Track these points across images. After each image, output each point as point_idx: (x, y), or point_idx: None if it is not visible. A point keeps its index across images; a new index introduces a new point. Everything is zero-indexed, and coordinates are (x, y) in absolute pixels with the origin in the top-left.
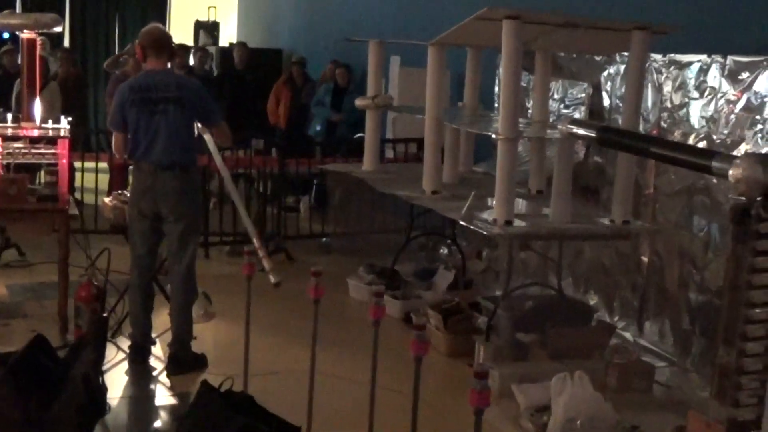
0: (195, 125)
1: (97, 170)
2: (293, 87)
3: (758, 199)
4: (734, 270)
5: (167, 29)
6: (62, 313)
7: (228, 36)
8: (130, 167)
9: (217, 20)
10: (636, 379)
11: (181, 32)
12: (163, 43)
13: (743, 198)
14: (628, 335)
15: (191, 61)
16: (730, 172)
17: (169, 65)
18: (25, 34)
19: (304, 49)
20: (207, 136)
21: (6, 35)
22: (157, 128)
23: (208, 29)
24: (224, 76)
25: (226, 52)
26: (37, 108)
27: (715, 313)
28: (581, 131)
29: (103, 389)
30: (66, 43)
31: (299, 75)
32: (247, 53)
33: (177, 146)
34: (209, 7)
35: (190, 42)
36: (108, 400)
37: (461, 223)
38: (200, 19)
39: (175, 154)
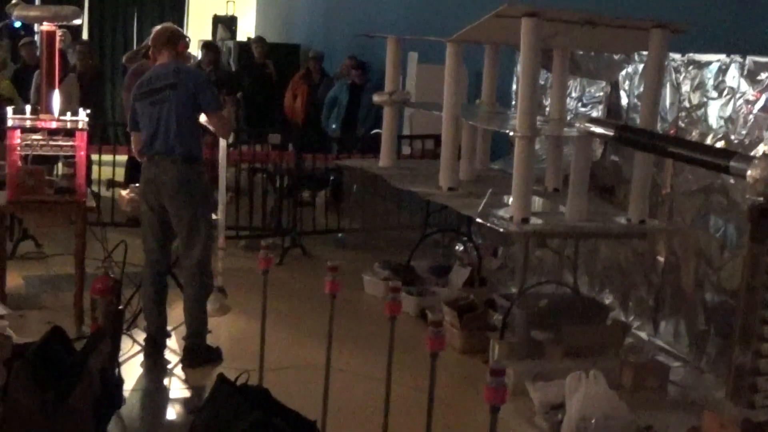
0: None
1: (114, 163)
2: (310, 82)
3: None
4: (751, 270)
5: (185, 24)
6: (78, 305)
7: (246, 31)
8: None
9: (236, 15)
10: (650, 379)
11: (199, 27)
12: (164, 40)
13: (761, 198)
14: (643, 335)
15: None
16: (749, 172)
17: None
18: (45, 27)
19: (321, 44)
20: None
21: (18, 24)
22: (158, 117)
23: (226, 24)
24: (243, 69)
25: (244, 47)
26: (56, 100)
27: (731, 313)
28: (599, 129)
29: (119, 382)
30: (84, 36)
31: (316, 70)
32: (265, 47)
33: (177, 134)
34: (227, 2)
35: (208, 36)
36: (123, 393)
37: (477, 220)
38: (218, 13)
39: (175, 142)
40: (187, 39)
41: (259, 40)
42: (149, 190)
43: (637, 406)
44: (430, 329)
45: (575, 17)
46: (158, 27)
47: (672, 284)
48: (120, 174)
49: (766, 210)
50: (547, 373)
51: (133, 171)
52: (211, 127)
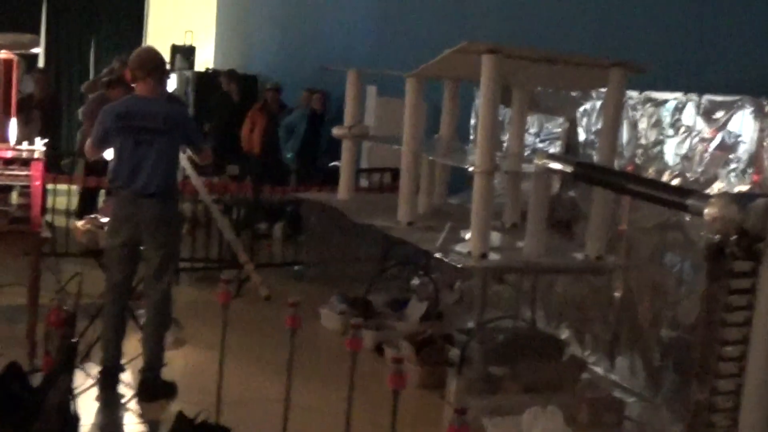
0: (179, 151)
1: (69, 193)
2: (268, 113)
3: (733, 237)
4: (708, 308)
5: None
6: (31, 337)
7: (204, 61)
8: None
9: (194, 45)
10: (607, 415)
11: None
12: (152, 67)
13: (718, 236)
14: (599, 370)
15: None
16: (706, 210)
17: (166, 86)
18: (2, 55)
19: (279, 75)
20: (183, 160)
21: None
22: (142, 157)
23: (184, 54)
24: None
25: (203, 77)
26: (12, 129)
27: (687, 349)
28: (557, 166)
29: (76, 418)
30: (41, 63)
31: (274, 101)
32: (236, 81)
33: (160, 176)
34: (186, 32)
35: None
36: (80, 429)
37: (436, 255)
38: (176, 43)
39: (158, 184)
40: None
41: (230, 73)
42: (126, 226)
43: None
44: (391, 366)
45: (535, 55)
46: (141, 50)
47: (628, 320)
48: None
49: (723, 248)
50: (504, 408)
51: (88, 202)
52: (183, 160)
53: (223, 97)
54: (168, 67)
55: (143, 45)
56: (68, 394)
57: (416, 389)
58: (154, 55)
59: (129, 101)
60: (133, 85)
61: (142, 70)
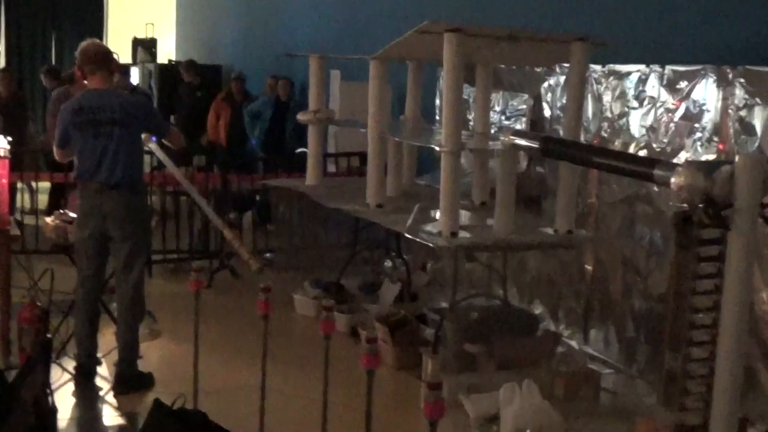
0: (141, 141)
1: (37, 190)
2: (233, 103)
3: (700, 205)
4: (678, 276)
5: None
6: (4, 335)
7: (166, 53)
8: (68, 188)
9: (155, 37)
10: (583, 387)
11: (119, 50)
12: (100, 59)
13: (685, 205)
14: (573, 343)
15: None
16: (672, 179)
17: (116, 77)
18: None
19: (243, 64)
20: (153, 147)
21: None
22: (102, 150)
23: (146, 46)
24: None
25: (165, 69)
26: None
27: (659, 319)
28: (524, 142)
29: (53, 411)
30: (2, 62)
31: (239, 91)
32: (196, 71)
33: (122, 167)
34: (147, 24)
35: (129, 59)
36: (57, 422)
37: (406, 235)
38: (138, 36)
39: (122, 174)
40: (115, 56)
41: (189, 63)
42: (92, 218)
43: (571, 416)
44: (364, 346)
45: (497, 32)
46: (85, 44)
47: (600, 293)
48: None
49: (690, 217)
50: (481, 385)
51: (56, 198)
52: (154, 147)
53: (186, 87)
54: (129, 60)
55: (86, 40)
56: (44, 388)
57: (392, 371)
58: (98, 47)
59: (82, 96)
60: (85, 81)
61: (90, 64)
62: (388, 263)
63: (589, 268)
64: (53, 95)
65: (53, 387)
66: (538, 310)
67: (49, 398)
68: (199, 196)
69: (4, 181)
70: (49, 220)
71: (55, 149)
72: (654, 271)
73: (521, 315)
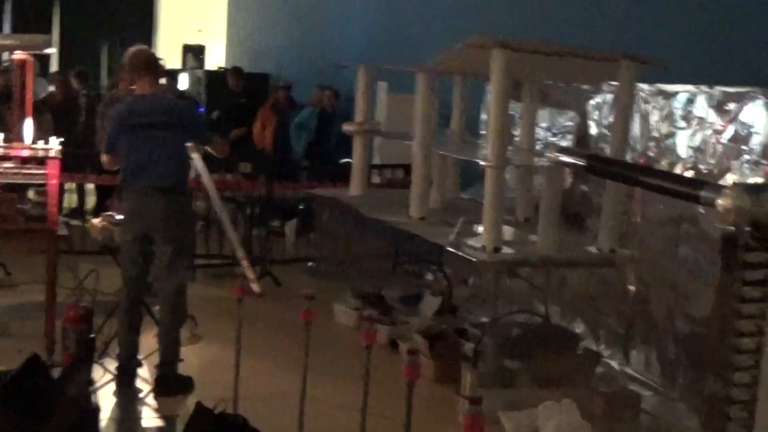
0: (186, 147)
1: (85, 191)
2: (279, 111)
3: (746, 229)
4: (722, 299)
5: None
6: (49, 334)
7: (215, 60)
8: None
9: (205, 44)
10: (622, 408)
11: (169, 56)
12: (147, 65)
13: (731, 228)
14: (614, 364)
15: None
16: (719, 201)
17: (163, 81)
18: (17, 55)
19: (290, 73)
20: (195, 156)
21: None
22: (148, 153)
23: (195, 53)
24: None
25: (213, 76)
26: (28, 128)
27: (701, 342)
28: (570, 159)
29: (95, 409)
30: (54, 67)
31: (285, 100)
32: (242, 78)
33: (167, 169)
34: (197, 31)
35: (178, 66)
36: (99, 421)
37: (449, 249)
38: (188, 42)
39: (166, 177)
40: (162, 61)
41: (236, 70)
42: (136, 220)
43: None
44: (406, 358)
45: (545, 48)
46: (133, 50)
47: (642, 313)
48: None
49: (737, 239)
50: (519, 401)
51: (103, 199)
52: (195, 155)
53: (229, 94)
54: (179, 66)
55: (134, 46)
56: (88, 386)
57: (430, 383)
58: (144, 53)
59: (129, 101)
60: (132, 87)
61: (137, 69)
62: (429, 276)
63: (631, 288)
64: (103, 100)
65: (96, 385)
66: (578, 328)
67: (93, 397)
68: (222, 207)
69: (55, 181)
70: (96, 221)
71: (102, 156)
72: (697, 294)
73: (562, 333)
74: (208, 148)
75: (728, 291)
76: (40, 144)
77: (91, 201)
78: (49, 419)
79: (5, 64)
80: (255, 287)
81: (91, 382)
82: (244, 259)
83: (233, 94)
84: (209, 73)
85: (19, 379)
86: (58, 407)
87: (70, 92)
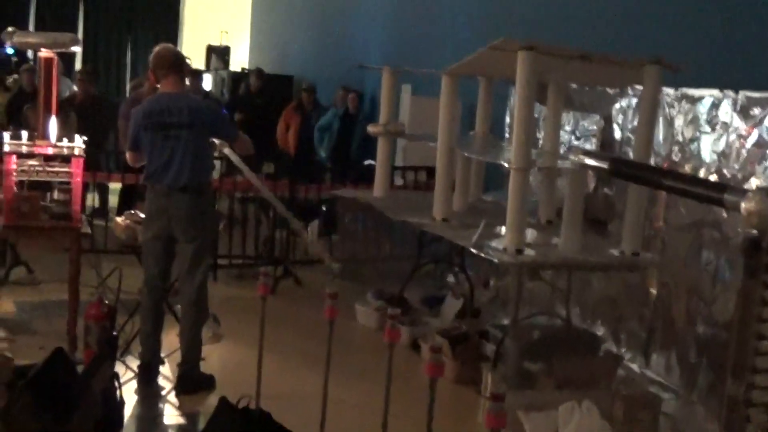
0: (210, 145)
1: (108, 190)
2: (303, 113)
3: None
4: (745, 302)
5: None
6: (71, 331)
7: (239, 61)
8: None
9: (229, 45)
10: (642, 411)
11: (193, 56)
12: (172, 64)
13: (755, 231)
14: (634, 367)
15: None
16: (743, 205)
17: (187, 81)
18: (43, 53)
19: (314, 75)
20: (228, 151)
21: (10, 51)
22: (171, 152)
23: (219, 54)
24: (237, 100)
25: (237, 77)
26: (53, 126)
27: (723, 346)
28: (593, 162)
29: (120, 404)
30: (78, 65)
31: (309, 101)
32: (262, 79)
33: (190, 169)
34: (221, 32)
35: (202, 66)
36: (123, 416)
37: (472, 250)
38: (212, 43)
39: (189, 177)
40: (189, 61)
41: (258, 71)
42: (158, 220)
43: None
44: (429, 355)
45: (571, 52)
46: (159, 48)
47: (664, 317)
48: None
49: (760, 243)
50: (540, 403)
51: (127, 198)
52: (228, 151)
53: (246, 95)
54: (203, 66)
55: (161, 45)
56: (113, 380)
57: (451, 384)
58: (171, 52)
59: (154, 99)
60: (157, 85)
61: (162, 69)
62: (451, 278)
63: (653, 291)
64: (126, 99)
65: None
66: (600, 331)
67: (118, 391)
68: (275, 199)
69: (79, 179)
70: (119, 220)
71: (127, 153)
72: (719, 298)
73: (583, 335)
74: (234, 148)
75: (750, 294)
76: (65, 142)
77: (113, 200)
78: (75, 412)
79: (27, 64)
80: (335, 268)
81: (115, 376)
82: (301, 229)
83: (252, 95)
84: (233, 74)
85: (45, 373)
86: (83, 401)
87: (92, 91)
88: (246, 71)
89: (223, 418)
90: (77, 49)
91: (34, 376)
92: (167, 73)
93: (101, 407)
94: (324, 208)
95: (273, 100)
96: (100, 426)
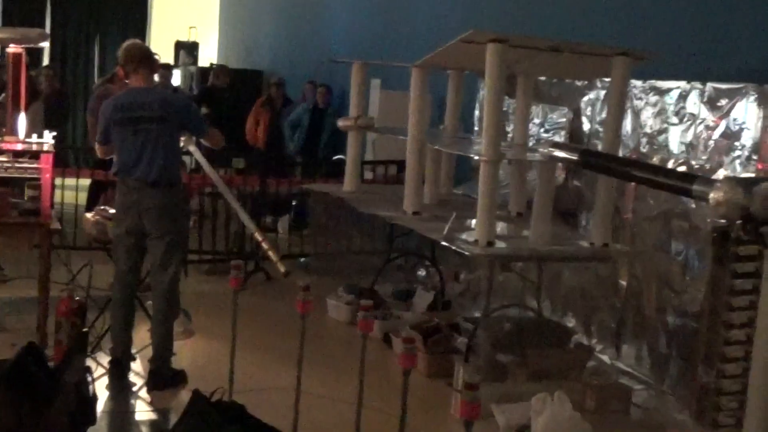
0: (180, 140)
1: (77, 187)
2: (272, 108)
3: (738, 221)
4: (713, 291)
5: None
6: (42, 328)
7: (208, 57)
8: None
9: (197, 41)
10: (614, 401)
11: (161, 52)
12: (141, 59)
13: (723, 221)
14: (605, 358)
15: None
16: (711, 195)
17: (156, 78)
18: (11, 49)
19: (284, 70)
20: (192, 148)
21: None
22: (141, 146)
23: (188, 49)
24: (204, 94)
25: (206, 72)
26: (22, 122)
27: (693, 336)
28: (563, 154)
29: (93, 398)
30: (46, 61)
31: (278, 96)
32: (226, 74)
33: (161, 163)
34: (190, 28)
35: (171, 62)
36: (96, 409)
37: (443, 243)
38: (180, 39)
39: (159, 171)
40: (157, 56)
41: (221, 67)
42: (129, 214)
43: (601, 429)
44: (402, 346)
45: (540, 43)
46: (128, 44)
47: (634, 308)
48: (83, 198)
49: (728, 233)
50: (512, 395)
51: (96, 194)
52: (204, 142)
53: (213, 89)
54: (171, 62)
55: (129, 40)
56: (85, 374)
57: (423, 378)
58: (139, 47)
59: (124, 94)
60: (127, 81)
61: (132, 64)
62: (421, 272)
63: (623, 282)
64: (94, 94)
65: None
66: (571, 323)
67: (91, 386)
68: (233, 198)
69: (48, 175)
70: (89, 215)
71: (96, 146)
72: (689, 288)
73: (554, 327)
74: (204, 141)
75: (719, 283)
76: (34, 138)
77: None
78: (49, 406)
79: None
80: (280, 267)
81: (88, 370)
82: (264, 241)
83: (218, 90)
84: (202, 69)
85: (18, 367)
86: (58, 394)
87: (57, 85)
88: (213, 66)
89: (197, 410)
90: (45, 45)
91: (8, 370)
92: (137, 68)
93: (75, 401)
94: (294, 203)
95: (242, 95)
96: (74, 419)
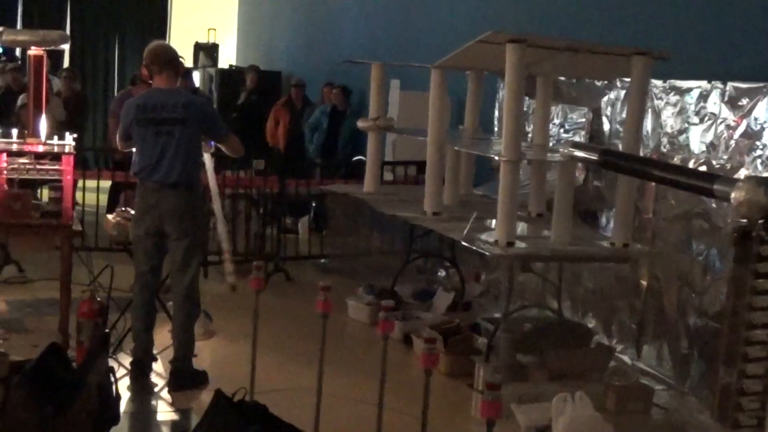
0: (200, 143)
1: (98, 188)
2: (292, 109)
3: (760, 221)
4: (735, 292)
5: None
6: (63, 329)
7: (227, 58)
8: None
9: (217, 42)
10: (635, 402)
11: (181, 54)
12: (166, 59)
13: (744, 220)
14: (626, 358)
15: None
16: (732, 194)
17: (179, 80)
18: (33, 51)
19: (302, 71)
20: (206, 156)
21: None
22: (162, 148)
23: (207, 51)
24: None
25: (226, 74)
26: (43, 124)
27: (714, 336)
28: (583, 154)
29: (117, 398)
30: (66, 63)
31: (298, 97)
32: (259, 75)
33: (181, 165)
34: (209, 30)
35: (190, 64)
36: (119, 409)
37: (463, 243)
38: (200, 41)
39: (180, 173)
40: (182, 59)
41: (254, 68)
42: (149, 216)
43: (622, 429)
44: (423, 347)
45: (559, 44)
46: (154, 45)
47: (655, 308)
48: (104, 200)
49: (750, 232)
50: (532, 395)
51: (116, 195)
52: (223, 149)
53: (245, 92)
54: (191, 64)
55: (155, 41)
56: (108, 374)
57: (443, 378)
58: (165, 48)
59: (147, 94)
60: (150, 81)
61: (157, 64)
62: (441, 272)
63: (644, 283)
64: (116, 96)
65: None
66: (591, 323)
67: (114, 386)
68: (219, 205)
69: (69, 177)
70: (110, 217)
71: (117, 141)
72: (710, 288)
73: (574, 327)
74: (222, 147)
75: (741, 283)
76: (55, 140)
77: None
78: (71, 406)
79: (13, 63)
80: (230, 279)
81: (112, 370)
82: (227, 252)
83: (249, 92)
84: (221, 71)
85: (40, 367)
86: (79, 394)
87: (76, 88)
88: (234, 68)
89: (220, 410)
90: (66, 47)
91: (30, 370)
92: (161, 70)
93: (97, 401)
94: (314, 204)
95: (262, 96)
96: (96, 419)
